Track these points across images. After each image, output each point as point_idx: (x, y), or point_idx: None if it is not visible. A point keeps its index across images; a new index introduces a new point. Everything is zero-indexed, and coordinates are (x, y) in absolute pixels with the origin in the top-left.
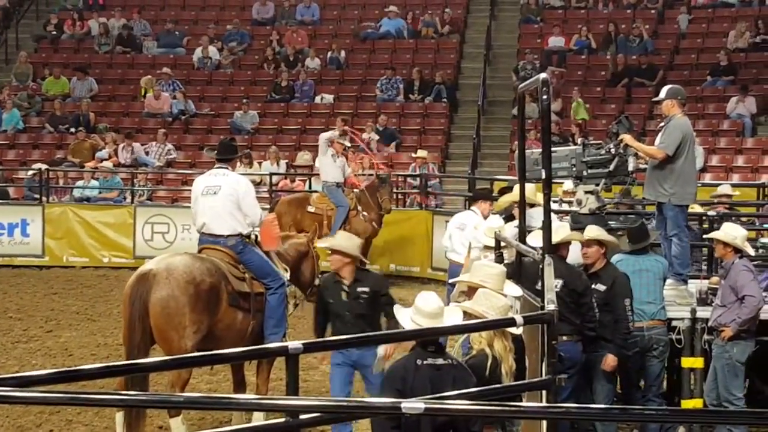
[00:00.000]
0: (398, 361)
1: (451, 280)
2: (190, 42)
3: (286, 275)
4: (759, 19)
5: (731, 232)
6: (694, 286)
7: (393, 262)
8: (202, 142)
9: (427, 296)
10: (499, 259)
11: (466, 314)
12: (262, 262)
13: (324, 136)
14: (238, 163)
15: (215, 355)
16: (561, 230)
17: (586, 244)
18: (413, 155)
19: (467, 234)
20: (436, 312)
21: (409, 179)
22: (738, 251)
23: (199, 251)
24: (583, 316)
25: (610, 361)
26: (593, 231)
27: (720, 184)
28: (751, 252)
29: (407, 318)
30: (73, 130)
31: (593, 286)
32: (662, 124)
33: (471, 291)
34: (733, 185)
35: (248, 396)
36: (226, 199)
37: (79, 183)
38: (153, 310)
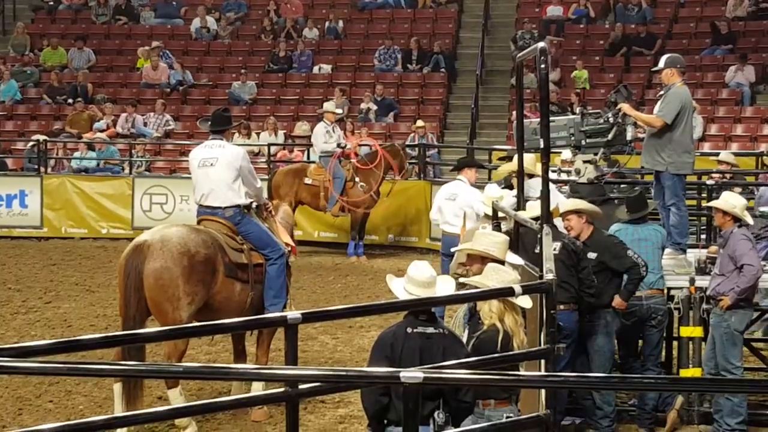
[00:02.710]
0: (389, 329)
1: (452, 249)
2: (187, 12)
3: (288, 247)
4: None
5: (731, 201)
6: (693, 255)
7: (391, 233)
8: (200, 112)
9: (420, 265)
10: (497, 228)
11: (465, 286)
12: (260, 232)
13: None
14: (236, 134)
15: (214, 325)
16: (560, 201)
17: (564, 217)
18: (412, 126)
19: (460, 203)
20: (428, 281)
21: (407, 149)
22: (737, 220)
23: (198, 223)
24: (581, 282)
25: (618, 301)
26: (568, 203)
27: (719, 153)
28: (751, 221)
29: (400, 287)
30: (71, 101)
31: None
32: (661, 92)
33: (470, 261)
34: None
35: (247, 366)
36: (223, 171)
37: (77, 154)
38: (147, 282)
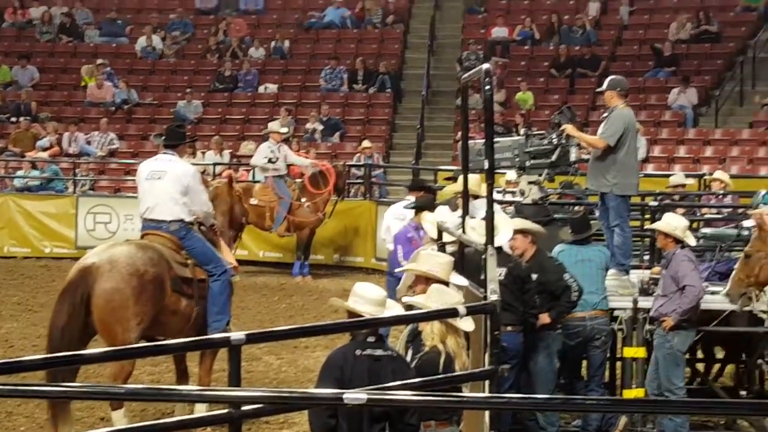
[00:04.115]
0: (337, 350)
1: (396, 270)
2: (133, 31)
3: (232, 263)
4: (700, 10)
5: (672, 222)
6: (636, 276)
7: (337, 253)
8: (145, 131)
9: (366, 285)
10: (442, 249)
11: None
12: (204, 248)
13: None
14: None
15: (158, 346)
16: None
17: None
18: (358, 146)
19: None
20: (381, 299)
21: (353, 169)
22: (679, 241)
23: (142, 237)
24: (525, 303)
25: (544, 318)
26: (515, 223)
27: (668, 174)
28: (693, 242)
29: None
30: (14, 119)
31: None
32: (605, 114)
33: (415, 282)
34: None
35: (190, 387)
36: (170, 185)
37: (19, 173)
38: (96, 304)
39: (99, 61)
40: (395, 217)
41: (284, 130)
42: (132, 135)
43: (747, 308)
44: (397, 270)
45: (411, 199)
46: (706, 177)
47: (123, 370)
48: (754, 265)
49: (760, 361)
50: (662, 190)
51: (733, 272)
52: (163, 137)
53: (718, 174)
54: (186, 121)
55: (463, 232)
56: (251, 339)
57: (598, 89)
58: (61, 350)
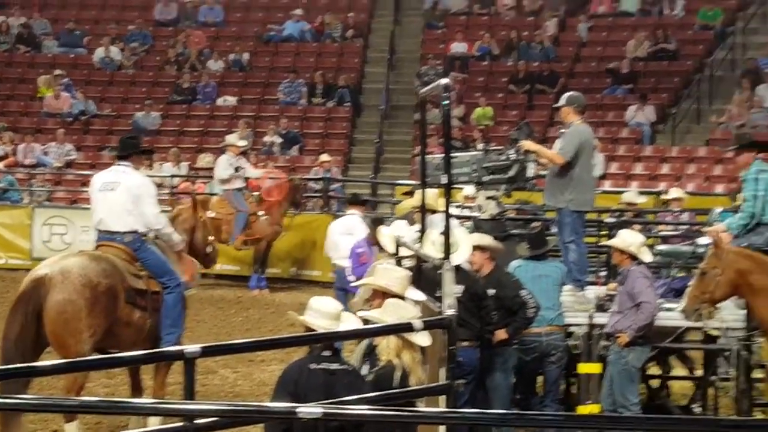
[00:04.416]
0: (292, 364)
1: (353, 283)
2: (91, 42)
3: (186, 276)
4: (658, 28)
5: (627, 239)
6: (592, 292)
7: (294, 266)
8: (102, 143)
9: (322, 299)
10: (399, 264)
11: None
12: (158, 260)
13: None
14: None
15: (112, 358)
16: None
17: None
18: (316, 160)
19: (359, 238)
20: (336, 313)
21: (311, 183)
22: (634, 258)
23: (96, 248)
24: (483, 319)
25: (501, 333)
26: (473, 239)
27: (622, 191)
28: (648, 258)
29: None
30: None
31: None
32: (562, 130)
33: (374, 296)
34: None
35: (144, 400)
36: (123, 196)
37: None
38: (49, 316)
39: (57, 71)
40: (342, 233)
41: (242, 143)
42: (89, 146)
43: (699, 324)
44: (352, 284)
45: (353, 213)
46: (662, 196)
47: (76, 382)
48: (709, 282)
49: (713, 377)
50: (619, 207)
51: (688, 289)
52: (117, 148)
53: (674, 192)
54: (143, 132)
55: (421, 246)
56: (206, 352)
57: (556, 105)
58: (13, 362)
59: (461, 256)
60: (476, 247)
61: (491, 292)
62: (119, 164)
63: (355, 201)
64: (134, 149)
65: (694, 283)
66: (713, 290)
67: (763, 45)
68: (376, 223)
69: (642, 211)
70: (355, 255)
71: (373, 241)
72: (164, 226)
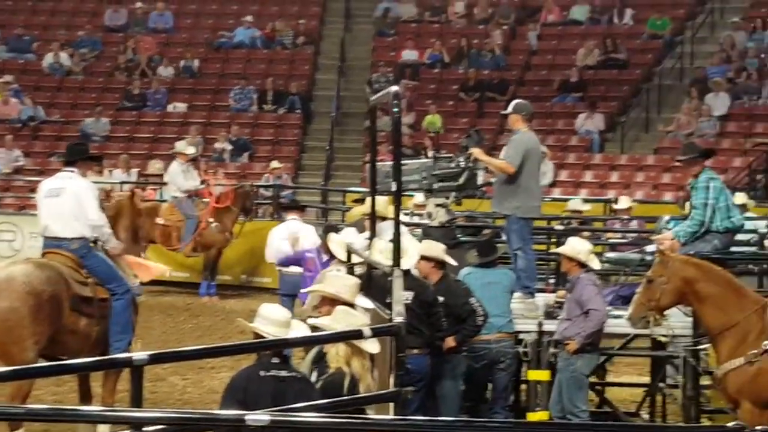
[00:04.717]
0: (241, 371)
1: (303, 290)
2: (40, 47)
3: (136, 281)
4: (607, 37)
5: (576, 246)
6: (542, 299)
7: (244, 273)
8: (51, 149)
9: (272, 306)
10: (350, 271)
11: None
12: (106, 267)
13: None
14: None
15: (60, 366)
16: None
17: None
18: (267, 167)
19: (304, 242)
20: (286, 320)
21: (261, 190)
22: (583, 265)
23: (43, 255)
24: (433, 326)
25: (450, 341)
26: (421, 248)
27: (570, 199)
28: (597, 266)
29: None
30: None
31: None
32: (509, 138)
33: (321, 303)
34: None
35: (92, 408)
36: (69, 202)
37: None
38: None
39: (5, 77)
40: (284, 239)
41: (191, 150)
42: (38, 152)
43: (646, 332)
44: (303, 290)
45: (293, 218)
46: (613, 205)
47: (21, 390)
48: (656, 290)
49: (661, 384)
50: (568, 214)
51: (635, 296)
52: (63, 155)
53: (624, 203)
54: (90, 139)
55: (370, 254)
56: (155, 359)
57: (503, 112)
58: None
59: (408, 262)
60: (422, 257)
61: (440, 299)
62: (65, 170)
63: (294, 206)
64: (80, 155)
65: (640, 290)
66: (659, 298)
67: (711, 54)
68: (328, 230)
69: (591, 218)
70: (305, 260)
71: (325, 249)
72: (104, 225)
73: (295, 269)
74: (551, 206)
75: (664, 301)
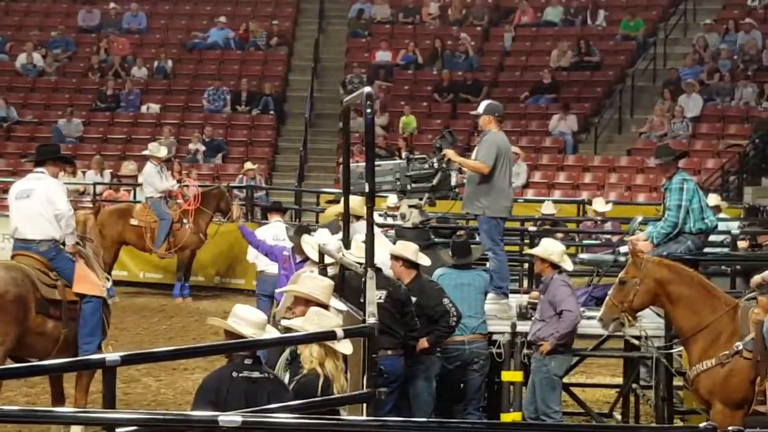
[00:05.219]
0: (213, 372)
1: (277, 290)
2: (13, 48)
3: (108, 284)
4: (581, 38)
5: (549, 248)
6: (515, 300)
7: (218, 275)
8: (24, 150)
9: (246, 307)
10: (324, 272)
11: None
12: (74, 269)
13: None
14: (62, 172)
15: (31, 367)
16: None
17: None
18: (241, 168)
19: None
20: (261, 322)
21: (235, 191)
22: (556, 267)
23: (12, 257)
24: (406, 326)
25: (423, 342)
26: (394, 249)
27: (544, 201)
28: (570, 267)
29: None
30: None
31: None
32: (479, 139)
33: (295, 303)
34: (555, 202)
35: (65, 409)
36: (38, 202)
37: None
38: None
39: None
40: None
41: (164, 152)
42: (11, 153)
43: (619, 333)
44: (278, 290)
45: (277, 220)
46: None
47: None
48: (629, 292)
49: (634, 385)
50: (541, 216)
51: (607, 298)
52: (33, 156)
53: (600, 206)
54: (64, 140)
55: (344, 255)
56: (127, 360)
57: (473, 112)
58: None
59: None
60: (394, 257)
61: (413, 299)
62: (35, 171)
63: (277, 208)
64: (50, 155)
65: (612, 292)
66: (632, 299)
67: (684, 55)
68: (300, 231)
69: (564, 219)
70: (280, 257)
71: (298, 250)
72: (71, 217)
73: (273, 270)
74: (525, 207)
75: (637, 302)
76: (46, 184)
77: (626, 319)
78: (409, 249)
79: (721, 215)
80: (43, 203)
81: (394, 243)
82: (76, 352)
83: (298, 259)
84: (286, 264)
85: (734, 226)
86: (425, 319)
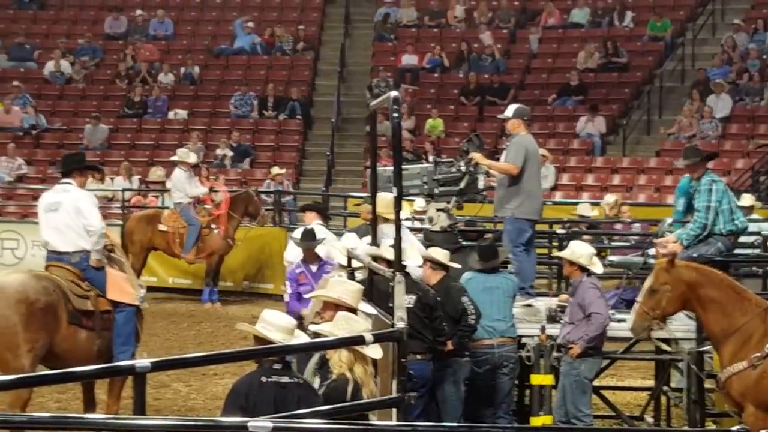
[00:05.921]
0: (243, 377)
1: (306, 295)
2: (41, 56)
3: (142, 292)
4: (608, 40)
5: (577, 250)
6: (544, 303)
7: (246, 280)
8: (53, 157)
9: (275, 312)
10: (351, 276)
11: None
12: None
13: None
14: (90, 179)
15: (62, 373)
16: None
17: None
18: (268, 173)
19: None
20: (291, 327)
21: (263, 196)
22: (584, 269)
23: (45, 269)
24: (435, 330)
25: (447, 344)
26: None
27: (577, 203)
28: (600, 270)
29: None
30: None
31: None
32: (507, 143)
33: (324, 308)
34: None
35: (96, 415)
36: (67, 215)
37: None
38: None
39: (14, 83)
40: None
41: (192, 157)
42: (40, 160)
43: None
44: (306, 295)
45: (318, 223)
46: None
47: (20, 397)
48: (660, 298)
49: (666, 388)
50: (570, 218)
51: (636, 306)
52: (59, 166)
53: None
54: (94, 146)
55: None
56: (157, 366)
57: (501, 116)
58: None
59: (413, 262)
60: (424, 259)
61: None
62: (62, 182)
63: (316, 208)
64: (76, 165)
65: (642, 299)
66: (665, 306)
67: (713, 56)
68: (306, 237)
69: (593, 222)
70: (293, 276)
71: (309, 259)
72: (102, 233)
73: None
74: (553, 210)
75: (670, 308)
76: (74, 196)
77: (658, 324)
78: (439, 253)
79: (752, 216)
80: (71, 215)
81: (426, 247)
82: (110, 361)
83: (314, 268)
84: (304, 279)
85: (765, 227)
86: (449, 320)
